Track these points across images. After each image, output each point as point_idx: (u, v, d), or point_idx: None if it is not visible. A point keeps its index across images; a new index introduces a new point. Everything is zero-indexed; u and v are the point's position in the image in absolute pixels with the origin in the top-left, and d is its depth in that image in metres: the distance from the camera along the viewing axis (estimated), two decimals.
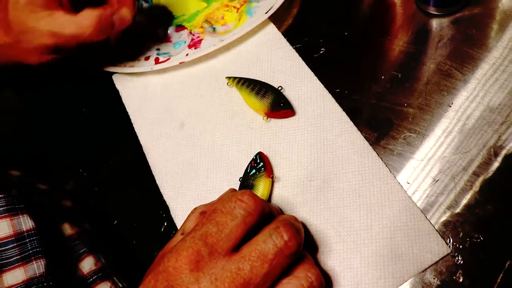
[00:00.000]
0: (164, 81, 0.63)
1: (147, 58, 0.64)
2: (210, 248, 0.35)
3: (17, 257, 0.46)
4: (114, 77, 0.65)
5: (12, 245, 0.47)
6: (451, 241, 0.43)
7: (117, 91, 0.64)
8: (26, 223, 0.48)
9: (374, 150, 0.49)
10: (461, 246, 0.43)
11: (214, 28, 0.64)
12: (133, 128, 0.61)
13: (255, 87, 0.55)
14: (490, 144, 0.46)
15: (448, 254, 0.42)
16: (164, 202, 0.54)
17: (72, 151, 0.63)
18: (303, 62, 0.57)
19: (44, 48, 0.52)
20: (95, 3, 0.54)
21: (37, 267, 0.47)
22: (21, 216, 0.48)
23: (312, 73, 0.56)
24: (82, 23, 0.51)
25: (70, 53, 0.55)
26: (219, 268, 0.35)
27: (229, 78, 0.58)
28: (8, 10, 0.50)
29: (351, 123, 0.51)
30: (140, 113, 0.61)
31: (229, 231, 0.36)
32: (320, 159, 0.50)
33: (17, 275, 0.46)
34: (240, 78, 0.57)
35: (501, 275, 0.41)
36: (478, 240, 0.42)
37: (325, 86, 0.54)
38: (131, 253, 0.55)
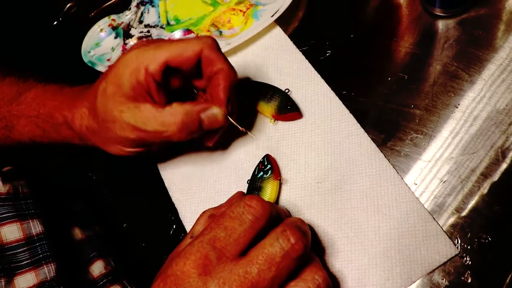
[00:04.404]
0: None
1: None
2: (218, 252, 0.36)
3: (28, 261, 0.47)
4: None
5: (22, 249, 0.47)
6: (459, 242, 0.43)
7: None
8: (36, 227, 0.49)
9: (381, 151, 0.49)
10: (469, 247, 0.43)
11: (221, 32, 0.64)
12: None
13: (262, 90, 0.55)
14: (497, 145, 0.46)
15: (456, 255, 0.42)
16: (173, 205, 0.55)
17: (82, 154, 0.63)
18: (310, 65, 0.57)
19: (126, 140, 0.47)
20: (191, 95, 0.51)
21: (47, 271, 0.48)
22: (31, 221, 0.49)
23: (319, 75, 0.56)
24: (166, 119, 0.45)
25: (154, 149, 0.51)
26: (227, 272, 0.35)
27: None
28: (96, 96, 0.47)
29: (358, 125, 0.51)
30: None
31: (237, 236, 0.37)
32: (327, 161, 0.50)
33: (28, 279, 0.46)
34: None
35: (509, 275, 0.41)
36: (486, 241, 0.42)
37: (331, 88, 0.54)
38: (140, 256, 0.56)
